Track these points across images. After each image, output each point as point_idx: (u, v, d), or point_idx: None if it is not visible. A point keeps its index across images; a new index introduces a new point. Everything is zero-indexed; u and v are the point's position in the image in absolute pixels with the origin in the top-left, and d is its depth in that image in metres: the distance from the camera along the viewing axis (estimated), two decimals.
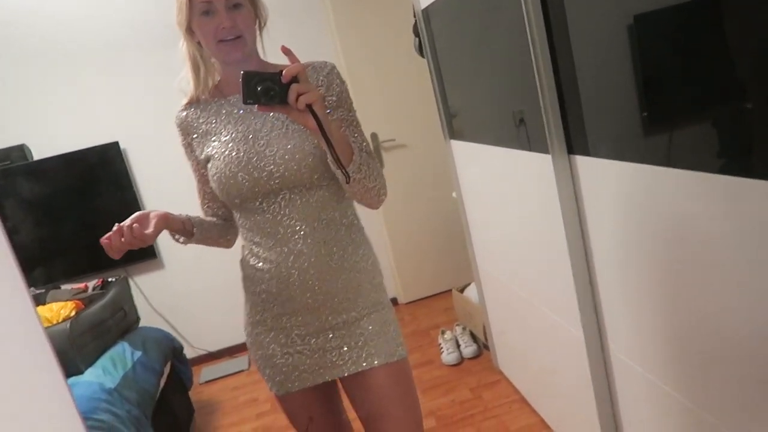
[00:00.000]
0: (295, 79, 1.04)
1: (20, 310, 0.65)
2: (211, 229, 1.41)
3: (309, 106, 1.04)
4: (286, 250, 1.26)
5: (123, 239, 1.18)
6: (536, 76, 1.47)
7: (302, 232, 1.25)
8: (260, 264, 1.31)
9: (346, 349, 1.30)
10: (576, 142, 1.45)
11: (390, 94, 3.44)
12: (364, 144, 1.27)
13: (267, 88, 1.03)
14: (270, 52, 1.33)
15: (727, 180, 0.98)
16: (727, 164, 0.99)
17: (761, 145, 0.93)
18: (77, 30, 3.10)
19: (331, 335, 1.30)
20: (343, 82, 1.28)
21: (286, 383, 1.35)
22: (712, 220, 1.05)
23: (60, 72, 3.12)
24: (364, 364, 1.29)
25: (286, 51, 1.06)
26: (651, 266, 1.28)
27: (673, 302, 1.24)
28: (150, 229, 1.21)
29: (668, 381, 1.33)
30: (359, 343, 1.30)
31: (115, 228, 1.20)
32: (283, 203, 1.25)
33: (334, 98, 1.25)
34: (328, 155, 1.11)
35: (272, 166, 1.21)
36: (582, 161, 1.45)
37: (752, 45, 0.90)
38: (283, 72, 1.03)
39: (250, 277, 1.37)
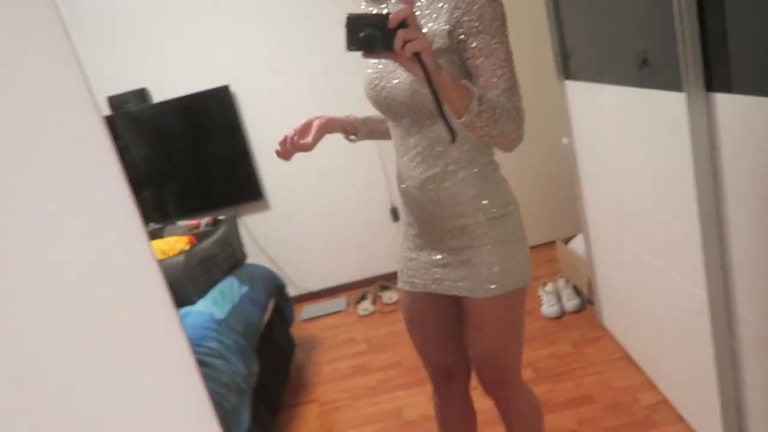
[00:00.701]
0: (403, 24, 0.95)
1: (137, 245, 0.67)
2: (379, 124, 1.48)
3: (417, 54, 0.97)
4: (404, 168, 1.34)
5: (288, 148, 1.38)
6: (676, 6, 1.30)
7: (418, 158, 1.29)
8: (398, 171, 1.39)
9: (449, 270, 1.35)
10: (716, 77, 1.28)
11: None
12: (502, 80, 1.14)
13: (370, 35, 0.96)
14: None
15: None
16: None
17: None
18: None
19: (439, 256, 1.36)
20: (491, 7, 1.13)
21: (401, 278, 1.48)
22: None
23: (176, 19, 3.23)
24: (462, 290, 1.34)
25: None
26: None
27: None
28: (309, 140, 1.37)
29: None
30: (462, 271, 1.33)
31: (280, 139, 1.39)
32: (406, 127, 1.29)
33: (475, 23, 1.13)
34: (436, 108, 1.03)
35: (392, 94, 1.25)
36: (722, 99, 1.27)
37: None
38: (390, 16, 0.95)
39: None
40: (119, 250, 0.65)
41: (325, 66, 3.29)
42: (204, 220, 2.74)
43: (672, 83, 1.41)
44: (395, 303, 3.31)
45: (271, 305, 2.65)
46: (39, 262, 0.56)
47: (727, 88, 1.25)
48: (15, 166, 0.54)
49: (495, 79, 1.13)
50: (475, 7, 1.12)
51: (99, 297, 0.61)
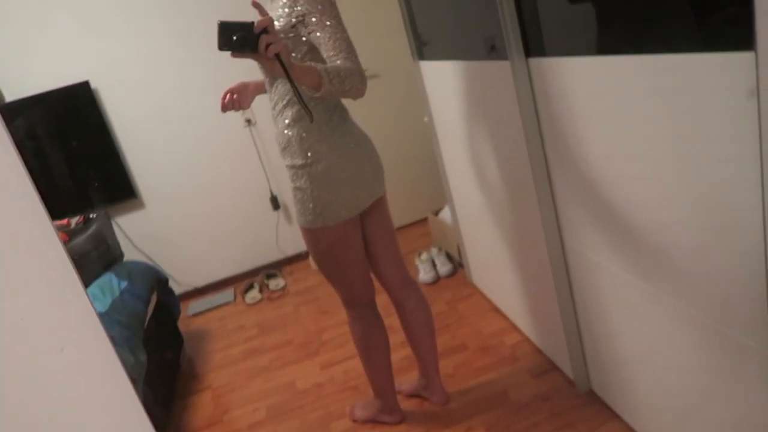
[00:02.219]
0: (264, 30, 1.19)
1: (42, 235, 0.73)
2: None
3: (277, 55, 1.20)
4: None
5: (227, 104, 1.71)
6: None
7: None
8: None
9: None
10: (533, 46, 1.52)
11: (359, 24, 3.43)
12: (340, 45, 1.42)
13: (242, 38, 1.18)
14: None
15: (648, 59, 1.07)
16: (646, 45, 1.07)
17: (675, 23, 1.01)
18: None
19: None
20: None
21: (341, 212, 1.70)
22: (640, 98, 1.14)
23: (30, 10, 3.06)
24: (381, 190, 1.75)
25: (256, 5, 1.24)
26: (597, 156, 1.38)
27: (616, 190, 1.34)
28: (246, 102, 1.75)
29: (616, 261, 1.46)
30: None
31: (222, 95, 1.71)
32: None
33: (307, 7, 1.42)
34: (295, 96, 1.30)
35: None
36: (537, 62, 1.52)
37: None
38: (255, 23, 1.18)
39: None
40: (24, 242, 0.71)
41: (185, 60, 3.28)
42: (74, 219, 2.65)
43: (501, 54, 1.65)
44: (282, 289, 3.39)
45: (154, 299, 2.63)
46: None
47: (542, 53, 1.50)
48: None
49: (333, 46, 1.41)
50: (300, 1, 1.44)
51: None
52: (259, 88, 1.78)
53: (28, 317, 0.69)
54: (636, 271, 1.39)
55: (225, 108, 1.71)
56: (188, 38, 3.24)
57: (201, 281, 3.65)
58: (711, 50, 0.94)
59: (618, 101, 1.24)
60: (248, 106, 1.77)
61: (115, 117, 3.28)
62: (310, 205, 1.61)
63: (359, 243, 1.73)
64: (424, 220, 3.68)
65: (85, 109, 3.17)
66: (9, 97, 3.09)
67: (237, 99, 1.71)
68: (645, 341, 1.47)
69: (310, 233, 1.67)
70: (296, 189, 1.63)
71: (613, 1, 1.20)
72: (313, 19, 1.42)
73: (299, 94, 1.29)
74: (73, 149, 3.22)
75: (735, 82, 0.90)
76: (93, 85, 3.17)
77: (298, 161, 1.59)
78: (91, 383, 0.81)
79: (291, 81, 1.25)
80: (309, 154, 1.57)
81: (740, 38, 0.85)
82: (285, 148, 1.62)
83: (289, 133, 1.59)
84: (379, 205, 1.77)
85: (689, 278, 1.20)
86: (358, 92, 1.42)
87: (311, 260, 3.56)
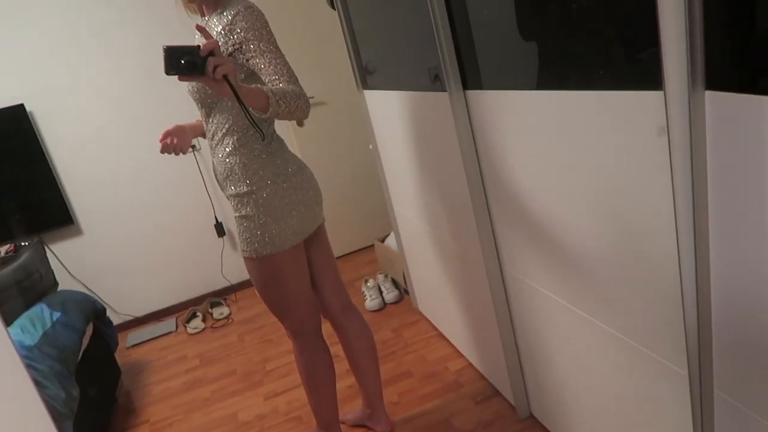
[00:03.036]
0: (211, 53, 1.18)
1: None
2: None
3: (225, 76, 1.20)
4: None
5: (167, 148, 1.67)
6: (434, 24, 1.58)
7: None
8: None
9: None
10: (470, 79, 1.58)
11: (305, 52, 3.47)
12: (281, 70, 1.43)
13: (190, 61, 1.17)
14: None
15: (570, 94, 1.13)
16: (569, 82, 1.13)
17: (603, 61, 1.08)
18: None
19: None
20: (251, 20, 1.44)
21: (292, 237, 1.69)
22: (570, 130, 1.20)
23: None
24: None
25: (200, 29, 1.23)
26: (529, 187, 1.43)
27: (546, 218, 1.40)
28: (183, 146, 1.69)
29: (550, 287, 1.50)
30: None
31: (161, 137, 1.66)
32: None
33: (243, 34, 1.44)
34: (245, 116, 1.31)
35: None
36: (474, 94, 1.58)
37: None
38: (201, 47, 1.17)
39: None
40: None
41: (126, 84, 3.23)
42: (4, 248, 2.53)
43: (440, 85, 1.70)
44: (226, 318, 3.32)
45: (89, 330, 2.53)
46: None
47: (479, 86, 1.56)
48: None
49: (275, 71, 1.42)
50: (238, 25, 1.44)
51: None
52: (196, 131, 1.76)
53: None
54: (568, 296, 1.43)
55: (164, 150, 1.68)
56: (124, 65, 3.19)
57: (141, 311, 3.53)
58: (625, 88, 1.00)
59: (545, 134, 1.30)
60: (186, 151, 1.72)
61: (52, 141, 3.18)
62: (258, 233, 1.59)
63: (306, 269, 1.72)
64: (371, 246, 3.69)
65: (19, 132, 3.06)
66: None
67: (176, 143, 1.68)
68: (579, 365, 1.51)
69: (256, 262, 1.64)
70: (241, 218, 1.60)
71: (540, 40, 1.27)
72: (251, 46, 1.43)
73: (249, 115, 1.29)
74: (6, 174, 3.09)
75: (647, 119, 0.96)
76: (28, 108, 3.07)
77: (243, 188, 1.57)
78: (9, 425, 0.77)
79: (240, 102, 1.24)
80: (253, 180, 1.57)
81: (650, 78, 0.92)
82: (227, 177, 1.60)
83: (231, 161, 1.58)
84: (320, 231, 1.78)
85: (614, 303, 1.25)
86: (304, 114, 1.43)
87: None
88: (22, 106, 3.02)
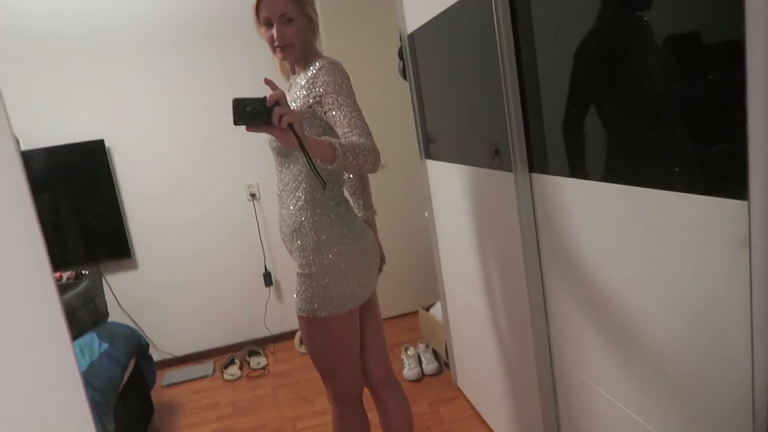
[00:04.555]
0: (277, 103, 1.22)
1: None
2: None
3: (290, 126, 1.23)
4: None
5: None
6: (506, 104, 1.61)
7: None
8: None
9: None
10: (537, 162, 1.59)
11: (371, 115, 3.56)
12: (354, 123, 1.46)
13: (255, 111, 1.21)
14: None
15: (647, 192, 1.11)
16: (646, 179, 1.12)
17: (680, 160, 1.07)
18: (68, 26, 3.19)
19: None
20: (332, 75, 1.51)
21: (354, 301, 1.69)
22: (639, 229, 1.18)
23: (52, 67, 3.20)
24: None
25: (268, 82, 1.29)
26: (593, 278, 1.40)
27: (610, 314, 1.35)
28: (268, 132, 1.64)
29: (607, 387, 1.44)
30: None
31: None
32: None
33: (323, 87, 1.50)
34: (308, 164, 1.32)
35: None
36: (540, 178, 1.58)
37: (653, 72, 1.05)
38: (268, 97, 1.22)
39: None
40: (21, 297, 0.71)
41: (201, 132, 3.39)
42: (66, 273, 2.63)
43: (506, 165, 1.71)
44: (263, 368, 3.31)
45: (131, 365, 2.56)
46: None
47: (545, 170, 1.56)
48: None
49: (348, 123, 1.46)
50: (320, 79, 1.52)
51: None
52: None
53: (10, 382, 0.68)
54: (626, 400, 1.37)
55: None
56: (202, 113, 3.36)
57: (181, 350, 3.57)
58: (706, 194, 0.98)
59: (616, 227, 1.28)
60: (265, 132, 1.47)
61: (123, 177, 3.34)
62: (319, 293, 1.58)
63: (357, 335, 1.70)
64: (414, 313, 3.65)
65: (95, 166, 3.24)
66: (24, 147, 3.17)
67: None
68: None
69: (313, 322, 1.62)
70: (304, 275, 1.60)
71: (618, 132, 1.27)
72: (330, 99, 1.49)
73: (312, 163, 1.29)
74: (77, 203, 3.26)
75: (728, 228, 0.93)
76: (107, 143, 3.26)
77: (310, 245, 1.59)
78: None
79: (305, 151, 1.25)
80: (321, 238, 1.58)
81: (735, 186, 0.90)
82: (294, 231, 1.62)
83: (301, 216, 1.60)
84: (373, 297, 1.78)
85: (679, 413, 1.18)
86: (372, 167, 1.43)
87: (296, 343, 3.50)
88: (101, 141, 3.21)
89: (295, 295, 1.64)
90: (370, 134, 1.49)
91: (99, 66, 3.24)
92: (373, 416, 2.01)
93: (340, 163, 1.34)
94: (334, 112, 1.48)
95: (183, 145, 3.40)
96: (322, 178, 1.40)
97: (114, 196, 3.28)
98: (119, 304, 3.39)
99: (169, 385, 3.27)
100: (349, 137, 1.44)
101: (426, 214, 2.74)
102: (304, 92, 1.54)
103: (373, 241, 1.70)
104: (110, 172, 3.27)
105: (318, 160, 1.33)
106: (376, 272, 1.72)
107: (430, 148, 2.53)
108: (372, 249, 1.67)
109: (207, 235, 3.51)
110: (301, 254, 1.60)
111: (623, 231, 1.25)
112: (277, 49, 1.57)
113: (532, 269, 1.68)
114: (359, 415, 1.79)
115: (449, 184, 2.33)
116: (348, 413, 1.77)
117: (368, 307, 1.76)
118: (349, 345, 1.68)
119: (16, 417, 0.69)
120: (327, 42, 3.42)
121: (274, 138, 1.57)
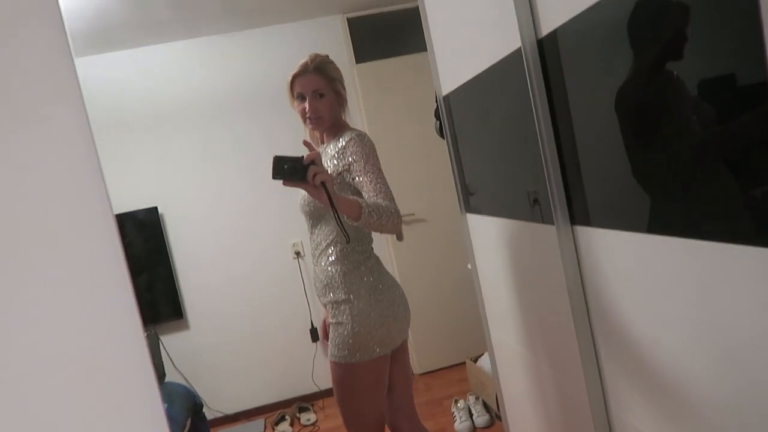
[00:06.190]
0: (313, 162, 1.38)
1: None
2: None
3: (323, 184, 1.38)
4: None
5: None
6: (543, 158, 1.67)
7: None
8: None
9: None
10: (578, 214, 1.63)
11: (411, 172, 3.68)
12: (379, 188, 1.62)
13: (292, 167, 1.36)
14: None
15: (699, 244, 1.14)
16: (687, 229, 1.14)
17: (730, 212, 1.09)
18: (124, 99, 3.43)
19: None
20: (360, 145, 1.69)
21: (387, 344, 1.80)
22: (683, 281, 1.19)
23: (111, 136, 3.43)
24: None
25: (306, 144, 1.46)
26: (645, 333, 1.41)
27: (669, 362, 1.35)
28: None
29: None
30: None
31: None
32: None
33: (353, 157, 1.67)
34: (335, 219, 1.48)
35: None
36: (582, 231, 1.61)
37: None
38: (305, 157, 1.39)
39: None
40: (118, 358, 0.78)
41: (247, 199, 3.55)
42: None
43: (547, 217, 1.75)
44: (313, 424, 3.33)
45: (188, 424, 2.63)
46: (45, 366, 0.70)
47: (586, 222, 1.59)
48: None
49: (374, 188, 1.62)
50: (350, 149, 1.71)
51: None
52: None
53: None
54: None
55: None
56: (249, 174, 3.52)
57: (232, 408, 3.62)
58: (751, 243, 1.00)
59: (667, 281, 1.30)
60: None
61: (176, 241, 3.50)
62: (349, 341, 1.69)
63: (385, 385, 1.78)
64: (462, 364, 3.63)
65: (149, 231, 3.41)
66: None
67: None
68: None
69: (343, 368, 1.73)
70: (336, 324, 1.73)
71: (656, 182, 1.30)
72: (357, 166, 1.65)
73: (339, 218, 1.45)
74: (131, 266, 3.41)
75: None
76: (160, 210, 3.43)
77: (341, 296, 1.71)
78: None
79: (333, 208, 1.40)
80: (350, 289, 1.70)
81: None
82: (327, 285, 1.75)
83: (332, 270, 1.73)
84: (403, 346, 1.86)
85: None
86: (395, 228, 1.58)
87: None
88: (155, 208, 3.39)
89: (329, 343, 1.75)
90: (393, 199, 1.65)
91: (152, 138, 3.46)
92: None
93: (365, 221, 1.49)
94: (361, 178, 1.65)
95: (231, 212, 3.56)
96: (346, 232, 1.55)
97: (167, 259, 3.43)
98: (173, 363, 3.49)
99: None
100: (374, 200, 1.59)
101: (469, 265, 2.77)
102: (335, 161, 1.70)
103: (402, 294, 1.81)
104: (163, 236, 3.43)
105: (345, 217, 1.48)
106: (406, 323, 1.81)
107: (470, 201, 2.59)
108: (401, 300, 1.78)
109: (254, 294, 3.61)
110: (333, 305, 1.72)
111: (674, 284, 1.27)
112: (309, 120, 1.75)
113: (580, 319, 1.69)
114: None
115: (490, 236, 2.38)
116: None
117: (398, 356, 1.84)
118: (374, 392, 1.76)
119: None
120: (365, 103, 3.58)
121: (306, 203, 1.76)
